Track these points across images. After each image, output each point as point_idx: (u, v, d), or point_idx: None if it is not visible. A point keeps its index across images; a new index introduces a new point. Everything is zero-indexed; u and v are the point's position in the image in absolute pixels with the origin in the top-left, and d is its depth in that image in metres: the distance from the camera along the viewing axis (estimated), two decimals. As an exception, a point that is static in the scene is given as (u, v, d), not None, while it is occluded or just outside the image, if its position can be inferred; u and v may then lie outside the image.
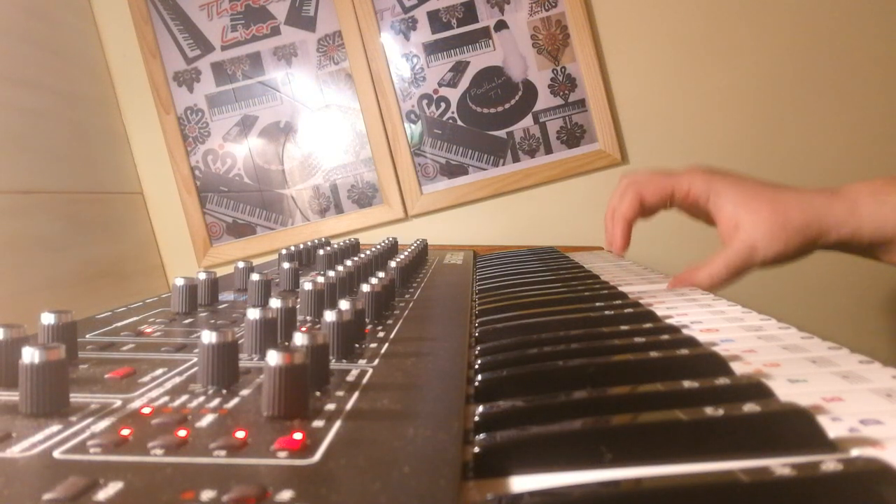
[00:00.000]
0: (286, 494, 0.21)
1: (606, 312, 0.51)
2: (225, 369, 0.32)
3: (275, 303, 0.41)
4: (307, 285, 0.50)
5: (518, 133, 1.32)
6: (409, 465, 0.23)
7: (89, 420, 0.28)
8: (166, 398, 0.31)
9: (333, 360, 0.37)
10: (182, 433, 0.26)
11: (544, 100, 1.31)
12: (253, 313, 0.39)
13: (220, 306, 0.57)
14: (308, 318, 0.49)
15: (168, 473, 0.23)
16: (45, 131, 1.09)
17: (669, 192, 0.64)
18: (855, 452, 0.25)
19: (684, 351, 0.37)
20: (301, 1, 1.33)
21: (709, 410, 0.27)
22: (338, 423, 0.27)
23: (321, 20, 1.33)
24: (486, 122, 1.32)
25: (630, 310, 0.51)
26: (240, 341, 0.37)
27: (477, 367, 0.39)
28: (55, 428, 0.27)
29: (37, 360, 0.28)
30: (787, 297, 1.17)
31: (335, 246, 0.81)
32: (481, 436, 0.28)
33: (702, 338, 0.41)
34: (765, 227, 0.57)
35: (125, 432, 0.26)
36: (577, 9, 1.29)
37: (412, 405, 0.30)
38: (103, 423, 0.28)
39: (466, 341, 0.43)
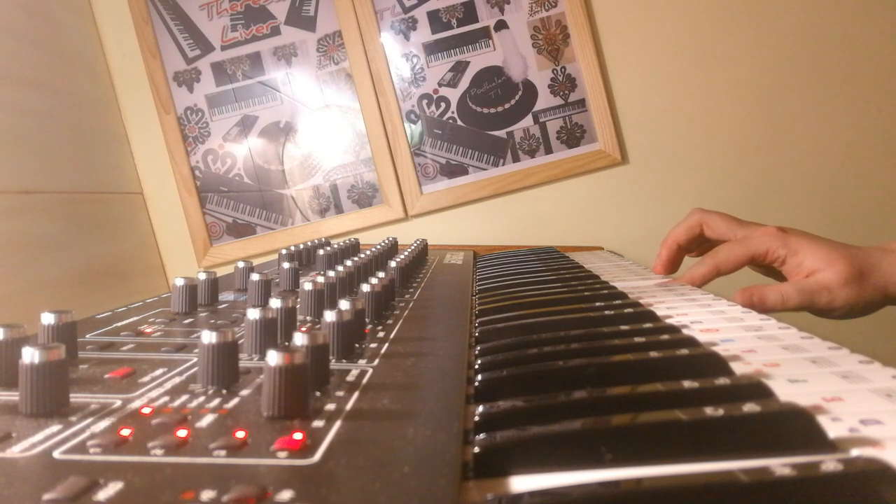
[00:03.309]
0: (286, 494, 0.21)
1: (606, 312, 0.51)
2: (225, 369, 0.32)
3: (275, 303, 0.41)
4: (307, 285, 0.50)
5: (518, 133, 1.32)
6: (409, 465, 0.23)
7: (89, 420, 0.28)
8: (166, 398, 0.31)
9: (333, 360, 0.37)
10: (182, 433, 0.26)
11: (544, 100, 1.31)
12: (253, 313, 0.39)
13: (220, 306, 0.56)
14: (308, 318, 0.49)
15: (168, 473, 0.23)
16: (45, 131, 1.09)
17: (747, 260, 0.64)
18: (855, 452, 0.25)
19: (684, 351, 0.37)
20: (301, 1, 1.33)
21: (709, 410, 0.27)
22: (338, 423, 0.27)
23: (321, 20, 1.33)
24: (486, 122, 1.32)
25: (630, 310, 0.51)
26: (240, 341, 0.37)
27: (477, 367, 0.39)
28: (55, 428, 0.27)
29: (37, 360, 0.28)
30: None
31: (335, 246, 0.81)
32: (481, 436, 0.28)
33: (702, 338, 0.41)
34: (841, 278, 0.59)
35: (125, 432, 0.26)
36: (577, 9, 1.29)
37: (412, 405, 0.30)
38: (103, 423, 0.28)
39: (466, 341, 0.43)
